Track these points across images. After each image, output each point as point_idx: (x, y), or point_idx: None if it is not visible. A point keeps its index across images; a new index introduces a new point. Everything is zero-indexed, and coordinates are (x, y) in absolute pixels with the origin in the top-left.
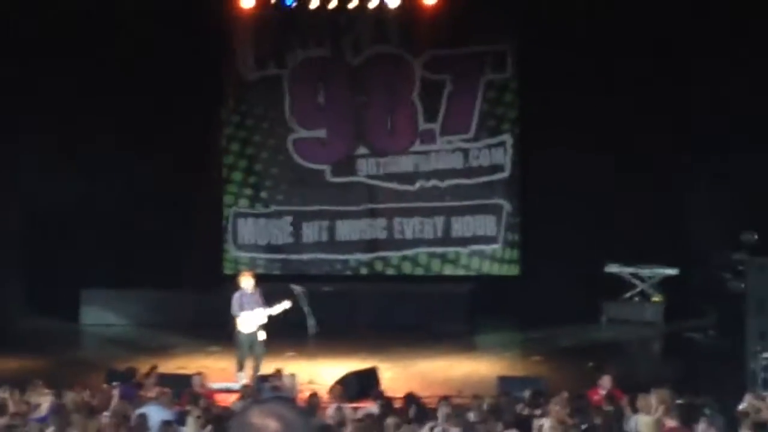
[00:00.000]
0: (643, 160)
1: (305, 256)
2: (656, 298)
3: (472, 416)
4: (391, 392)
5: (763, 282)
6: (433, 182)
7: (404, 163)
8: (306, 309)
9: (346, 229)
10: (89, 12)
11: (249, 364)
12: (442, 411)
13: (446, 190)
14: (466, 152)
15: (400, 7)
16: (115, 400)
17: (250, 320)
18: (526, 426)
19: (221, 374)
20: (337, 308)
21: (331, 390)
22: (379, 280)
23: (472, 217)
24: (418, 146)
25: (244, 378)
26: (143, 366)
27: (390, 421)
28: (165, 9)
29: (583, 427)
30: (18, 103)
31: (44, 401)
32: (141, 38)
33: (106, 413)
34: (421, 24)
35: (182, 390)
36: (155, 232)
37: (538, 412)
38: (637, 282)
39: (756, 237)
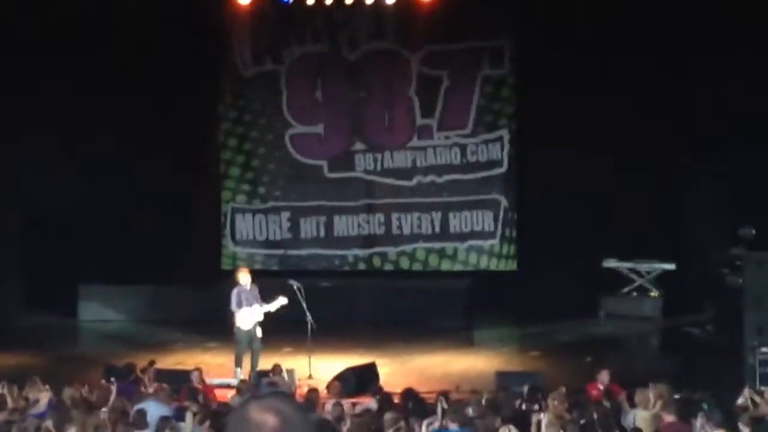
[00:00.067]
0: (641, 155)
1: (303, 252)
2: (654, 293)
3: (470, 411)
4: (389, 387)
5: (761, 277)
6: (430, 178)
7: (402, 159)
8: (304, 304)
9: (344, 225)
10: (88, 11)
11: (247, 360)
12: (441, 406)
13: (444, 186)
14: (463, 148)
15: (396, 3)
16: (113, 396)
17: (249, 316)
18: (525, 421)
19: (219, 370)
20: (335, 304)
21: (330, 385)
22: (376, 276)
23: (470, 213)
24: (415, 142)
25: (242, 374)
26: (142, 362)
27: (388, 416)
28: (163, 6)
29: (582, 422)
30: (17, 102)
31: (43, 397)
32: (139, 36)
33: (104, 409)
34: (418, 19)
35: (181, 386)
36: (153, 228)
37: (536, 407)
38: (635, 277)
39: (754, 232)
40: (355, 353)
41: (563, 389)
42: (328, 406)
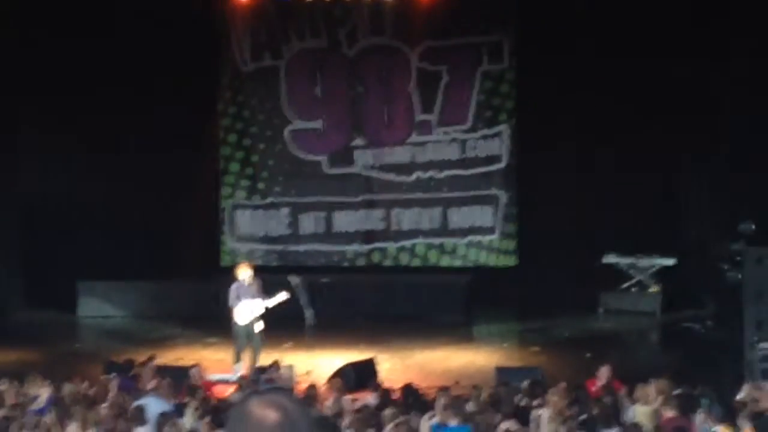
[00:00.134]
0: (641, 150)
1: (302, 248)
2: (654, 289)
3: (470, 407)
4: (389, 383)
5: (761, 272)
6: (430, 173)
7: (401, 154)
8: (303, 300)
9: (344, 220)
10: (87, 6)
11: (246, 356)
12: (441, 402)
13: (443, 181)
14: (462, 143)
15: None
16: (113, 392)
17: (247, 311)
18: (525, 416)
19: (219, 365)
20: (334, 299)
21: (329, 381)
22: (376, 272)
23: (469, 208)
24: (414, 137)
25: (242, 369)
26: (141, 358)
27: (388, 412)
28: (162, 2)
29: (582, 417)
30: (16, 96)
31: (42, 393)
32: (138, 31)
33: (104, 405)
34: (417, 15)
35: (181, 381)
36: (153, 223)
37: (536, 402)
38: (634, 272)
39: (754, 227)
40: (354, 349)
41: (563, 385)
42: (328, 402)
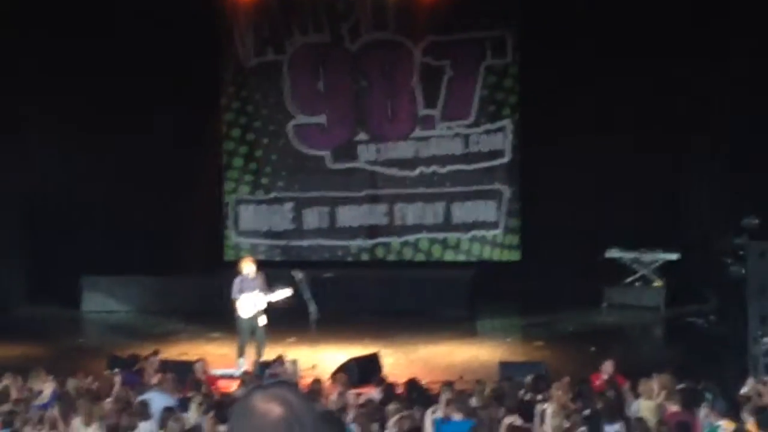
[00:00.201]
0: (644, 145)
1: (306, 243)
2: (657, 283)
3: (474, 401)
4: (392, 378)
5: (764, 267)
6: (433, 168)
7: (404, 149)
8: (307, 295)
9: (347, 215)
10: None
11: (250, 350)
12: (444, 396)
13: (446, 176)
14: (466, 138)
15: None
16: (117, 387)
17: (249, 305)
18: (529, 411)
19: (222, 360)
20: (338, 294)
21: (333, 376)
22: (380, 266)
23: (473, 203)
24: (418, 132)
25: (245, 364)
26: (145, 353)
27: (392, 406)
28: None
29: (586, 411)
30: (19, 87)
31: (46, 388)
32: (141, 27)
33: (108, 400)
34: (420, 9)
35: (185, 376)
36: (156, 218)
37: (540, 397)
38: (638, 267)
39: (757, 222)
40: (358, 344)
41: (567, 379)
42: (332, 397)
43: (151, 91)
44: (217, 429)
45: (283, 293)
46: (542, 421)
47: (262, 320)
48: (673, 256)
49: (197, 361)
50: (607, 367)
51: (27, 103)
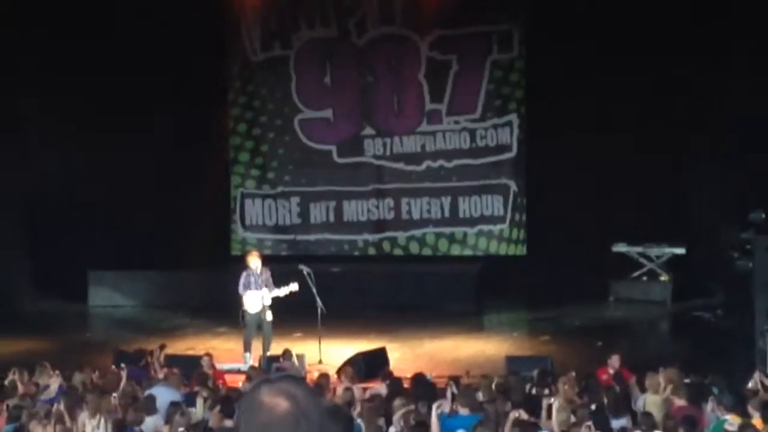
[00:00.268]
0: (651, 138)
1: (313, 237)
2: (664, 278)
3: (480, 396)
4: (399, 372)
5: None
6: (440, 162)
7: (411, 144)
8: (314, 290)
9: (354, 210)
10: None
11: (256, 345)
12: (451, 391)
13: (453, 171)
14: (472, 132)
15: None
16: (123, 382)
17: (255, 300)
18: (535, 405)
19: (229, 355)
20: (344, 289)
21: (341, 370)
22: (386, 261)
23: (479, 198)
24: (424, 126)
25: (251, 359)
26: (152, 347)
27: (398, 401)
28: None
29: (592, 406)
30: (19, 87)
31: (53, 383)
32: (148, 21)
33: (114, 394)
34: (427, 4)
35: (191, 371)
36: (163, 213)
37: (546, 391)
38: (644, 261)
39: (764, 215)
40: (364, 338)
41: (573, 374)
42: (339, 391)
43: (158, 85)
44: (224, 423)
45: (289, 288)
46: (548, 415)
47: (269, 315)
48: (680, 250)
49: (204, 355)
50: (614, 362)
51: (27, 103)
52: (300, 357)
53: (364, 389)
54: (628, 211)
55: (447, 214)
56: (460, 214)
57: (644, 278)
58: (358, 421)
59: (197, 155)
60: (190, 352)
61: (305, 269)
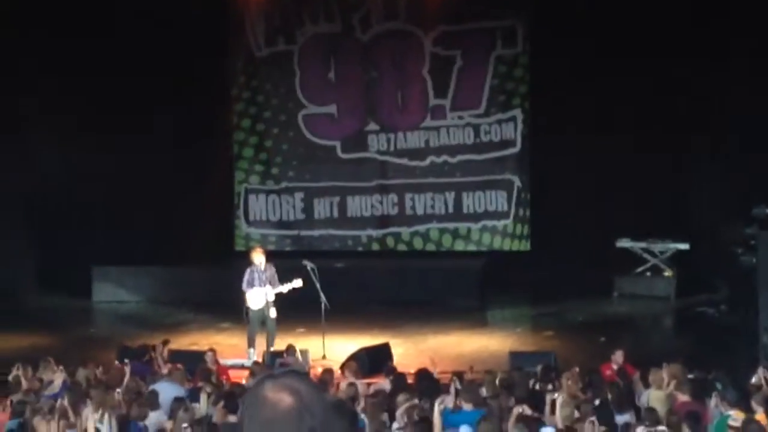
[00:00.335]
0: (655, 134)
1: (316, 233)
2: (668, 273)
3: (484, 391)
4: (402, 368)
5: None
6: (443, 158)
7: (415, 139)
8: (317, 285)
9: (357, 205)
10: None
11: (260, 341)
12: (454, 386)
13: (457, 166)
14: (476, 128)
15: None
16: (127, 377)
17: (259, 296)
18: (539, 401)
19: (233, 350)
20: (348, 284)
21: (344, 366)
22: (390, 256)
23: (483, 193)
24: (428, 122)
25: (255, 355)
26: (155, 343)
27: (402, 396)
28: None
29: (596, 401)
30: (19, 87)
31: (57, 378)
32: (152, 17)
33: (118, 390)
34: None
35: (195, 366)
36: (166, 208)
37: (550, 387)
38: (648, 257)
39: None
40: (368, 334)
41: (577, 369)
42: (342, 386)
43: (161, 80)
44: (228, 419)
45: (293, 284)
46: (552, 410)
47: (273, 312)
48: (684, 246)
49: (207, 351)
50: (618, 357)
51: (27, 103)
52: (303, 352)
53: (368, 384)
54: (631, 208)
55: (451, 209)
56: (463, 210)
57: (648, 274)
58: (362, 416)
59: (201, 152)
60: (194, 348)
61: (309, 265)
